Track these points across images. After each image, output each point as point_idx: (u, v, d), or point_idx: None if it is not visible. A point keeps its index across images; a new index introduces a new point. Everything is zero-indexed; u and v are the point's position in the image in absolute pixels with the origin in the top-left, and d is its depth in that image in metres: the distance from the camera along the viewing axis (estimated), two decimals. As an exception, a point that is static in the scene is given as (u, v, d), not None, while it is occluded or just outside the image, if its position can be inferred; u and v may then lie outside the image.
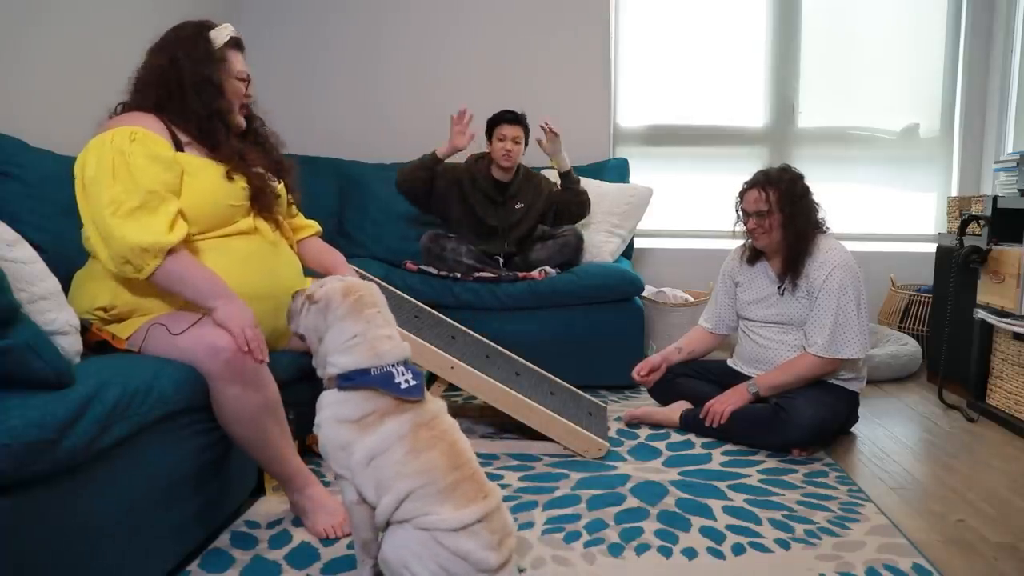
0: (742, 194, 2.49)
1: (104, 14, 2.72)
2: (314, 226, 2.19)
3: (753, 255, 2.56)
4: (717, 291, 2.72)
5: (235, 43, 1.89)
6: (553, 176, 3.32)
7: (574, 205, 3.22)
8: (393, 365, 1.43)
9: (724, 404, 2.39)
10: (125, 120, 1.74)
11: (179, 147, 1.77)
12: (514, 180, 3.18)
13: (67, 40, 2.54)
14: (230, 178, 1.79)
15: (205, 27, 1.85)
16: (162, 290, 1.67)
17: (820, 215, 2.45)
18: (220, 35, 1.85)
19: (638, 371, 2.64)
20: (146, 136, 1.69)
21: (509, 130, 3.09)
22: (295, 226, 2.13)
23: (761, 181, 2.43)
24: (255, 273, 1.79)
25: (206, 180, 1.76)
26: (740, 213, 2.49)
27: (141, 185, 1.63)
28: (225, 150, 1.82)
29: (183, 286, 1.64)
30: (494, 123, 3.13)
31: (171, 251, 1.62)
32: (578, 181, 3.23)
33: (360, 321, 1.45)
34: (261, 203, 1.87)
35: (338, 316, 1.45)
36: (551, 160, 3.22)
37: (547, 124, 3.12)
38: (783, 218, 2.40)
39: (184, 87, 1.78)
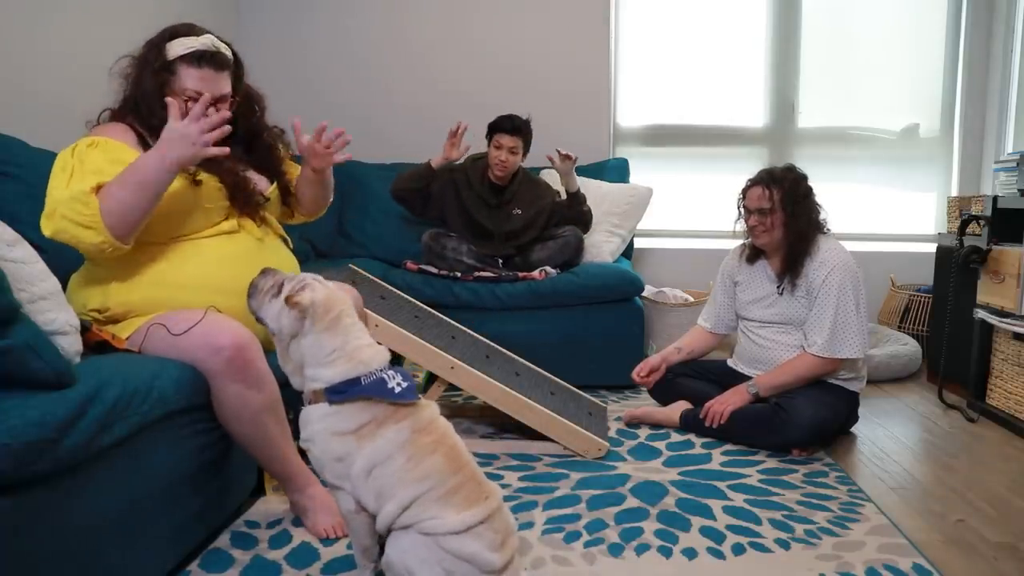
0: (745, 191, 2.49)
1: (104, 13, 2.72)
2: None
3: (752, 254, 2.56)
4: (716, 290, 2.72)
5: (195, 58, 1.74)
6: (552, 178, 3.32)
7: (581, 224, 3.21)
8: (380, 370, 1.41)
9: (724, 404, 2.39)
10: (95, 132, 1.75)
11: None
12: (511, 184, 3.17)
13: (67, 40, 2.54)
14: (196, 182, 1.73)
15: (168, 35, 1.77)
16: (125, 219, 1.57)
17: (822, 216, 2.45)
18: (175, 47, 1.74)
19: (638, 372, 2.64)
20: (107, 143, 1.69)
21: (507, 140, 3.06)
22: (294, 173, 2.08)
23: (765, 179, 2.43)
24: (246, 271, 1.77)
25: (174, 183, 1.68)
26: (742, 210, 2.49)
27: (87, 170, 1.61)
28: None
29: (129, 184, 1.56)
30: (493, 129, 3.11)
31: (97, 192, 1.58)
32: (584, 200, 3.20)
33: (338, 335, 1.41)
34: (241, 202, 1.83)
35: (317, 329, 1.40)
36: (560, 179, 3.19)
37: (562, 150, 3.08)
38: (785, 217, 2.40)
39: (135, 96, 1.77)
